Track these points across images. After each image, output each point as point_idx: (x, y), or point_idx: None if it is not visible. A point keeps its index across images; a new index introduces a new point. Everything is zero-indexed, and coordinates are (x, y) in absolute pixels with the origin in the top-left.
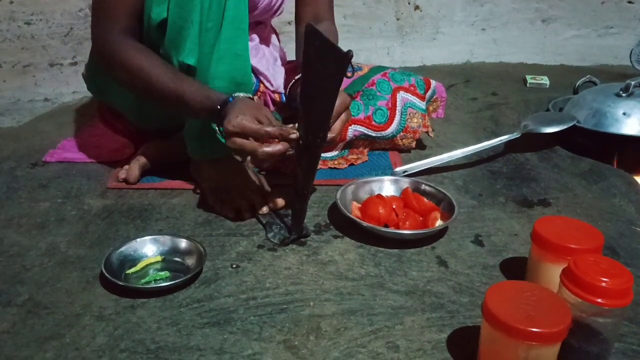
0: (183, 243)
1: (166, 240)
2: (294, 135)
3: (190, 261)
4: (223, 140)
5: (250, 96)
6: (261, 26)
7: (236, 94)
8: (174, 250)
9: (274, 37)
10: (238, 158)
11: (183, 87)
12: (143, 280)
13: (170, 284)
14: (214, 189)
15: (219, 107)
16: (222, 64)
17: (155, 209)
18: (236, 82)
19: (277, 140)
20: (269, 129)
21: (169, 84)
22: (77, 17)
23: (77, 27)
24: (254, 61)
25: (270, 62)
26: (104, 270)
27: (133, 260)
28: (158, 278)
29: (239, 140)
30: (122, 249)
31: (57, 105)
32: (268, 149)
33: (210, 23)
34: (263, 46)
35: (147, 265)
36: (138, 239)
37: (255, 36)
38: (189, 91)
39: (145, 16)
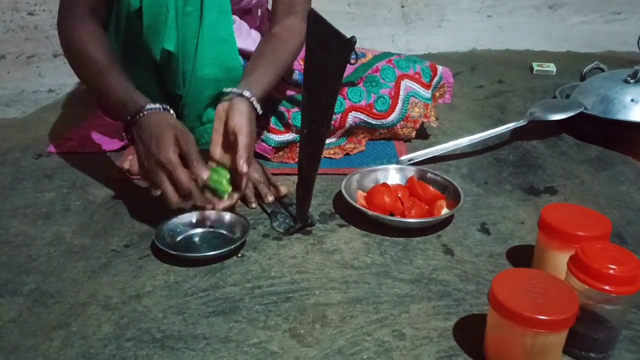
0: (227, 216)
1: (211, 213)
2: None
3: (233, 232)
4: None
5: (167, 107)
6: (249, 16)
7: (149, 106)
8: (218, 223)
9: (267, 28)
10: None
11: (109, 81)
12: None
13: (217, 253)
14: None
15: (129, 117)
16: (209, 50)
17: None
18: (225, 67)
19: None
20: (182, 177)
21: (98, 72)
22: None
23: None
24: (239, 42)
25: (257, 40)
26: (156, 242)
27: (182, 232)
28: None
29: (160, 171)
30: (171, 222)
31: (61, 96)
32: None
33: (190, 7)
34: (245, 24)
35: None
36: (185, 214)
37: (235, 17)
38: (113, 87)
39: (125, 5)
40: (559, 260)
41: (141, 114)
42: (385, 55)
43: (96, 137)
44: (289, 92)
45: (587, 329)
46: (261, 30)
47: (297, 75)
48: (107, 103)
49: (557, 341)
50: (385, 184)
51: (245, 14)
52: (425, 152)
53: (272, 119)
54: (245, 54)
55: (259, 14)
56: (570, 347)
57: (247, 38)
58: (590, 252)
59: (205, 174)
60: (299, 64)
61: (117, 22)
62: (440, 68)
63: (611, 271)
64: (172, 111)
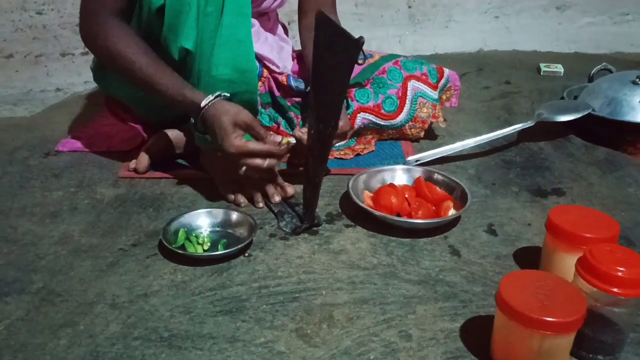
0: (234, 215)
1: (219, 213)
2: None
3: (240, 232)
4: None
5: (227, 95)
6: (264, 17)
7: (208, 98)
8: (226, 223)
9: (281, 29)
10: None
11: (161, 78)
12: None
13: (224, 253)
14: (225, 178)
15: (196, 116)
16: (225, 51)
17: (167, 198)
18: (239, 68)
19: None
20: (269, 147)
21: (149, 70)
22: None
23: None
24: (256, 47)
25: (274, 46)
26: (163, 240)
27: (191, 230)
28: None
29: (248, 160)
30: (177, 221)
31: (69, 95)
32: (273, 161)
33: (210, 8)
34: (265, 32)
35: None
36: (192, 212)
37: (255, 21)
38: (166, 84)
39: (146, 3)
40: (567, 262)
41: (202, 111)
42: (392, 56)
43: (103, 136)
44: (295, 99)
45: (595, 332)
46: (272, 33)
47: (292, 82)
48: (163, 102)
49: (565, 343)
50: (392, 185)
51: (259, 15)
52: (432, 153)
53: (282, 123)
54: (261, 59)
55: (272, 18)
56: (577, 350)
57: (264, 44)
58: (598, 254)
59: (278, 138)
60: (296, 67)
61: (138, 23)
62: (447, 71)
63: (619, 273)
64: (223, 94)
